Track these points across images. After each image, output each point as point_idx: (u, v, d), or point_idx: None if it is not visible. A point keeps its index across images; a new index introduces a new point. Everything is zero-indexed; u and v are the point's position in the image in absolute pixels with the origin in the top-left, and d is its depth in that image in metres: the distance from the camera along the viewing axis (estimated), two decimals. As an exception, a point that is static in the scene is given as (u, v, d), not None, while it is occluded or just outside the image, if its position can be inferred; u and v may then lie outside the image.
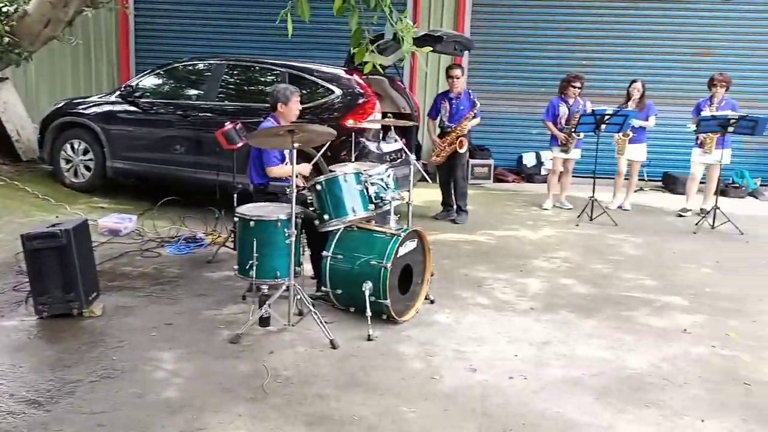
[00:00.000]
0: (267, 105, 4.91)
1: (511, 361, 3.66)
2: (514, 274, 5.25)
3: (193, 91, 7.02)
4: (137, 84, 7.25)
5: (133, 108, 7.06)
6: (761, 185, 9.03)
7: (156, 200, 6.46)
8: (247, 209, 4.13)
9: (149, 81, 7.25)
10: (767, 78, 9.41)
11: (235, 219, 4.13)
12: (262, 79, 6.79)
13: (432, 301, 4.50)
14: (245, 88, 6.89)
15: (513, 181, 9.63)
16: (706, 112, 7.30)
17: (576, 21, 9.68)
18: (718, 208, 6.90)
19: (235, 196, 5.11)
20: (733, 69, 8.45)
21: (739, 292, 4.97)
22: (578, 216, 7.23)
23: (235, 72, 6.92)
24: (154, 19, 10.36)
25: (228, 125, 5.40)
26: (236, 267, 4.11)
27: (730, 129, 6.83)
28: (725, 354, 3.84)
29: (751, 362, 3.73)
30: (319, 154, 4.78)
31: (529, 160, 9.74)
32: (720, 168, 7.25)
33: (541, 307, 4.53)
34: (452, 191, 7.16)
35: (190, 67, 7.22)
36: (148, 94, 7.15)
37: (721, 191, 7.49)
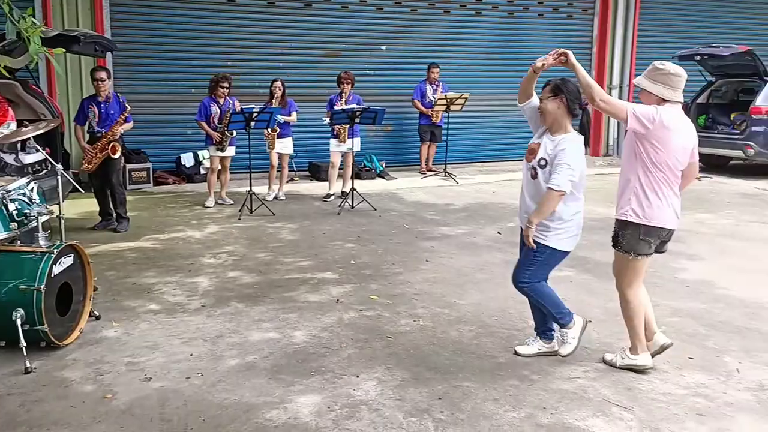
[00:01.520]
0: None
1: (187, 361, 3.77)
2: (183, 275, 5.34)
3: None
4: None
5: None
6: (386, 167, 10.60)
7: None
8: None
9: None
10: (383, 75, 10.97)
11: None
12: None
13: (98, 317, 4.33)
14: None
15: (174, 183, 9.53)
16: (337, 107, 8.26)
17: (217, 22, 9.86)
18: (355, 189, 7.92)
19: None
20: (356, 68, 9.66)
21: (376, 260, 5.86)
22: (239, 210, 7.57)
23: None
24: None
25: None
26: None
27: (357, 120, 7.91)
28: (370, 315, 4.54)
29: (389, 318, 4.49)
30: None
31: (187, 160, 9.74)
32: (353, 154, 8.34)
33: (212, 303, 4.72)
34: (109, 199, 6.84)
35: None
36: None
37: (356, 175, 8.60)
